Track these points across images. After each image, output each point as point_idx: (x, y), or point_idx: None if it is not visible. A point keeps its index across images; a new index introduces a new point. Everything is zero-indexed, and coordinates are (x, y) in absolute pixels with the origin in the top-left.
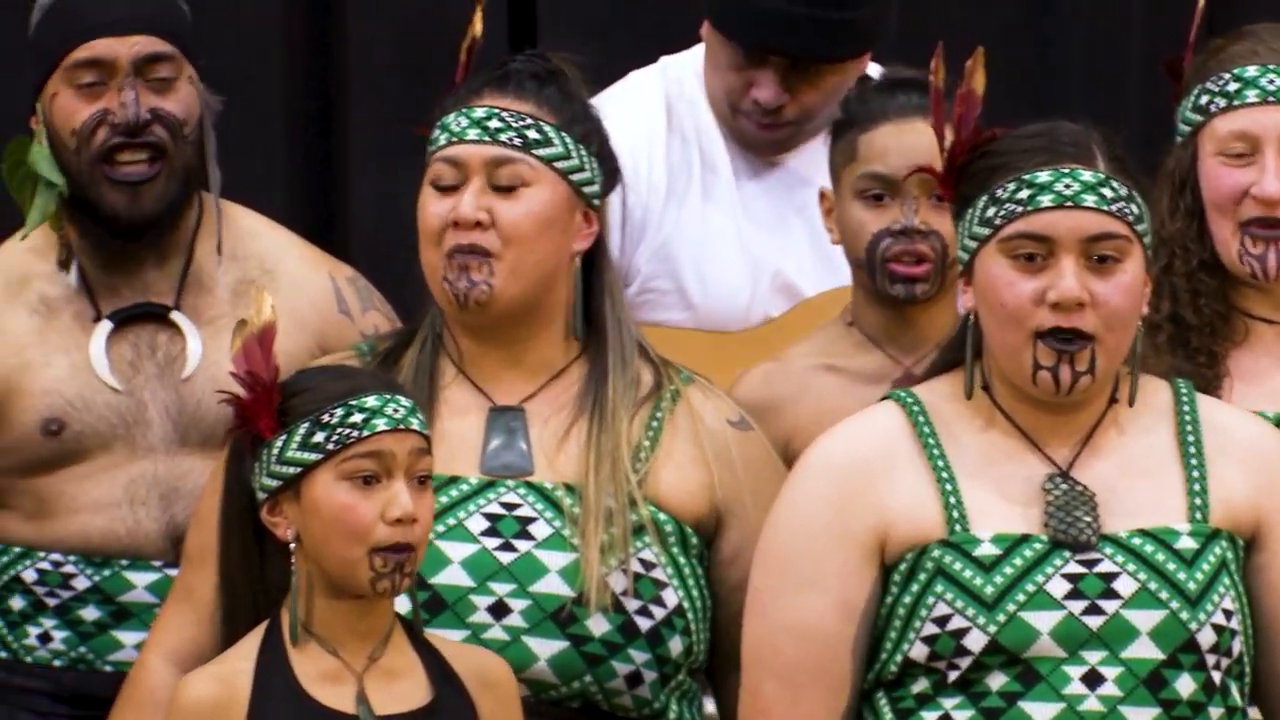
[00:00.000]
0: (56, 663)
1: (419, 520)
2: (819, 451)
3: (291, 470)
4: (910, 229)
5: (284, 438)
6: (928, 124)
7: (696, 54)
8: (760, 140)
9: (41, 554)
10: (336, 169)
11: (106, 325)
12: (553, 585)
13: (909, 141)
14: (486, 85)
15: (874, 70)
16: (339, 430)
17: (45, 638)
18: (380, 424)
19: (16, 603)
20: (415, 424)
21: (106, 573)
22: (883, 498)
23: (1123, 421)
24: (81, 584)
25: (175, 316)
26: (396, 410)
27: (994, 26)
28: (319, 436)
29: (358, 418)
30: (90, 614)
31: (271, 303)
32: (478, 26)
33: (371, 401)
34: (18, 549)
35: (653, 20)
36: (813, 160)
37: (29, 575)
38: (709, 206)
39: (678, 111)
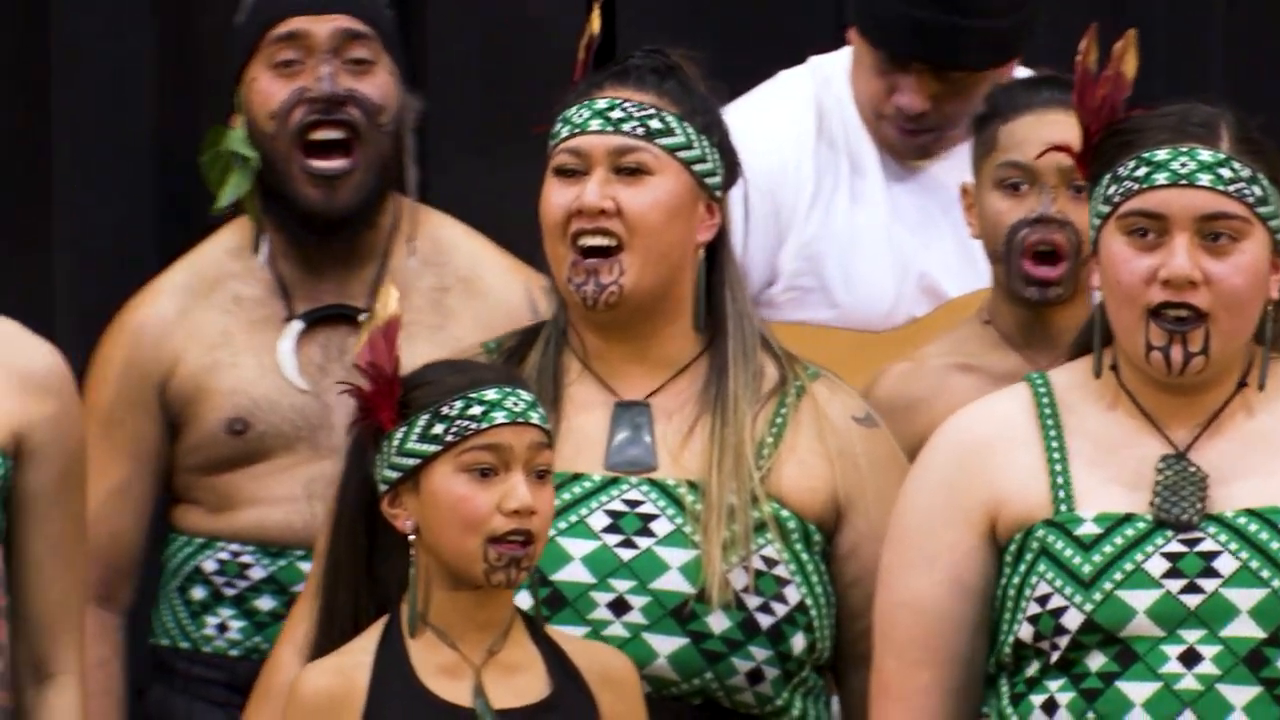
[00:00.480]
0: (233, 652)
1: (537, 513)
2: (944, 430)
3: (411, 462)
4: (1047, 217)
5: (404, 429)
6: (1070, 116)
7: (845, 54)
8: (903, 145)
9: (221, 544)
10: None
11: (297, 325)
12: (673, 582)
13: (1049, 133)
14: (608, 79)
15: (1019, 72)
16: (458, 423)
17: (223, 627)
18: (499, 417)
19: (198, 593)
20: (535, 418)
21: (282, 563)
22: (995, 476)
23: (1254, 404)
24: (258, 574)
25: (364, 320)
26: (516, 404)
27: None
28: (438, 428)
29: (476, 410)
30: (265, 604)
31: (397, 296)
32: (595, 25)
33: (491, 395)
34: (200, 540)
35: (731, 23)
36: (959, 164)
37: (209, 565)
38: (855, 206)
39: (827, 111)
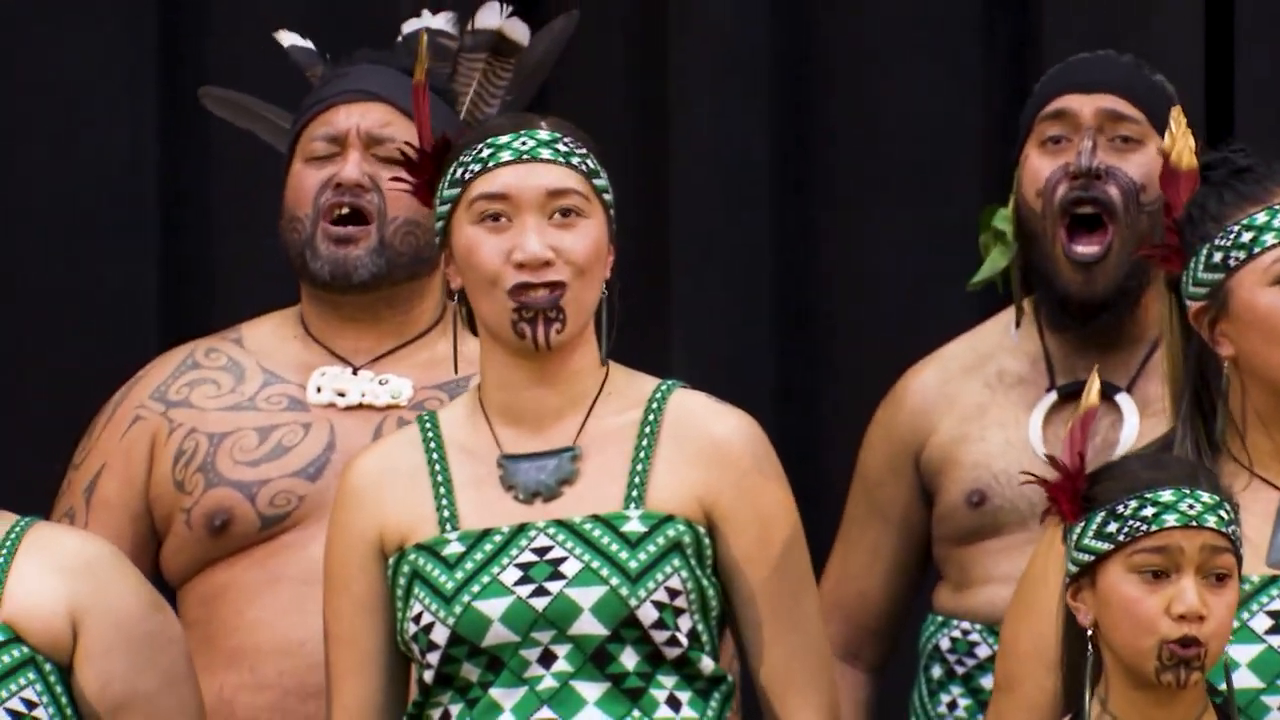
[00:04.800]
0: None
1: (1208, 617)
2: None
3: (1086, 558)
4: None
5: (1083, 525)
6: None
7: None
8: None
9: (955, 622)
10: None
11: (1051, 397)
12: None
13: None
14: None
15: None
16: (1130, 523)
17: (951, 705)
18: (1170, 520)
19: (935, 671)
20: (1211, 521)
21: None
22: None
23: None
24: (984, 652)
25: (1120, 399)
26: (1191, 506)
27: None
28: (1111, 527)
29: (1149, 511)
30: (989, 683)
31: (1098, 388)
32: None
33: (1166, 496)
34: (940, 617)
35: None
36: None
37: (944, 643)
38: None
39: None
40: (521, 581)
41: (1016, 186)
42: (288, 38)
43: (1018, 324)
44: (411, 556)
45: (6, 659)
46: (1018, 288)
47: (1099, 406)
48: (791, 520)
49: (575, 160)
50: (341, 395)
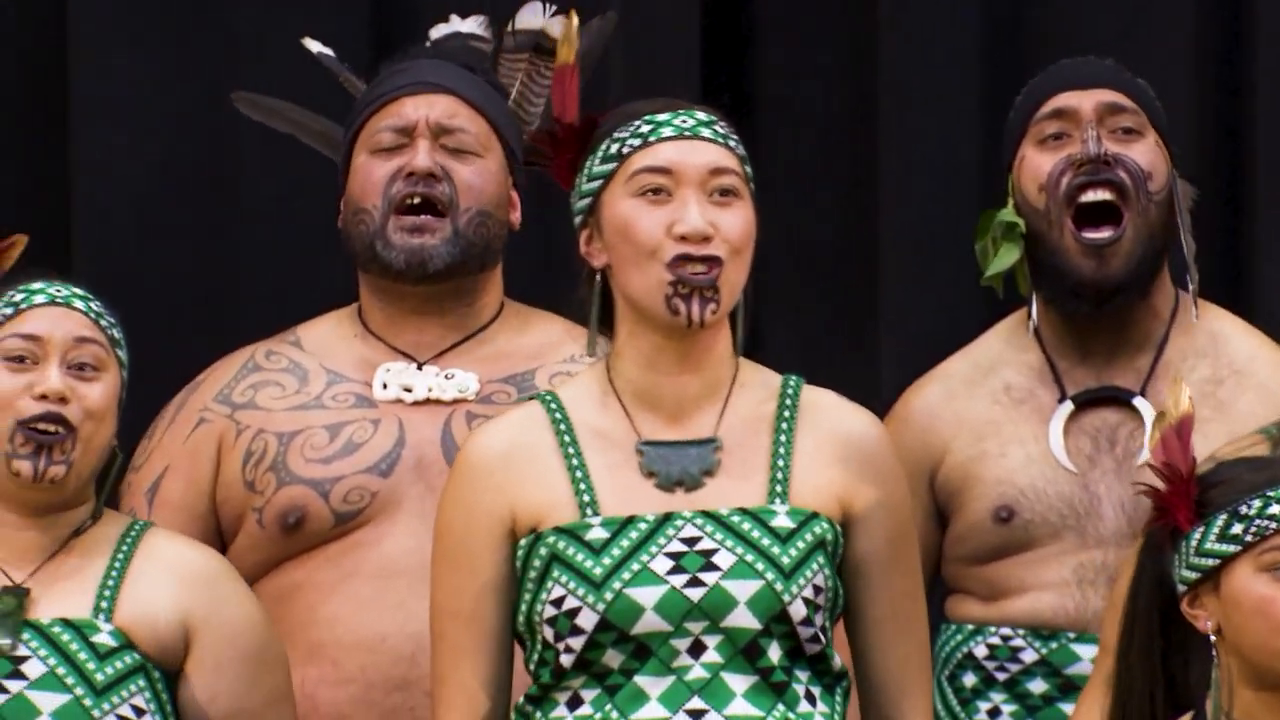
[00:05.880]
0: None
1: None
2: None
3: (1210, 562)
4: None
5: (1202, 529)
6: None
7: None
8: None
9: (991, 629)
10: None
11: (1067, 407)
12: None
13: None
14: None
15: None
16: (1256, 522)
17: (994, 712)
18: None
19: (968, 679)
20: None
21: (1054, 645)
22: None
23: None
24: (1029, 657)
25: (1139, 403)
26: None
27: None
28: (1236, 528)
29: (1276, 509)
30: (1037, 687)
31: (1189, 394)
32: None
33: None
34: (969, 626)
35: None
36: None
37: (980, 651)
38: None
39: None
40: (674, 571)
41: (1014, 189)
42: (314, 45)
43: (1029, 316)
44: (550, 539)
45: (120, 665)
46: (1028, 279)
47: (1119, 413)
48: (912, 521)
49: (732, 143)
50: (408, 391)
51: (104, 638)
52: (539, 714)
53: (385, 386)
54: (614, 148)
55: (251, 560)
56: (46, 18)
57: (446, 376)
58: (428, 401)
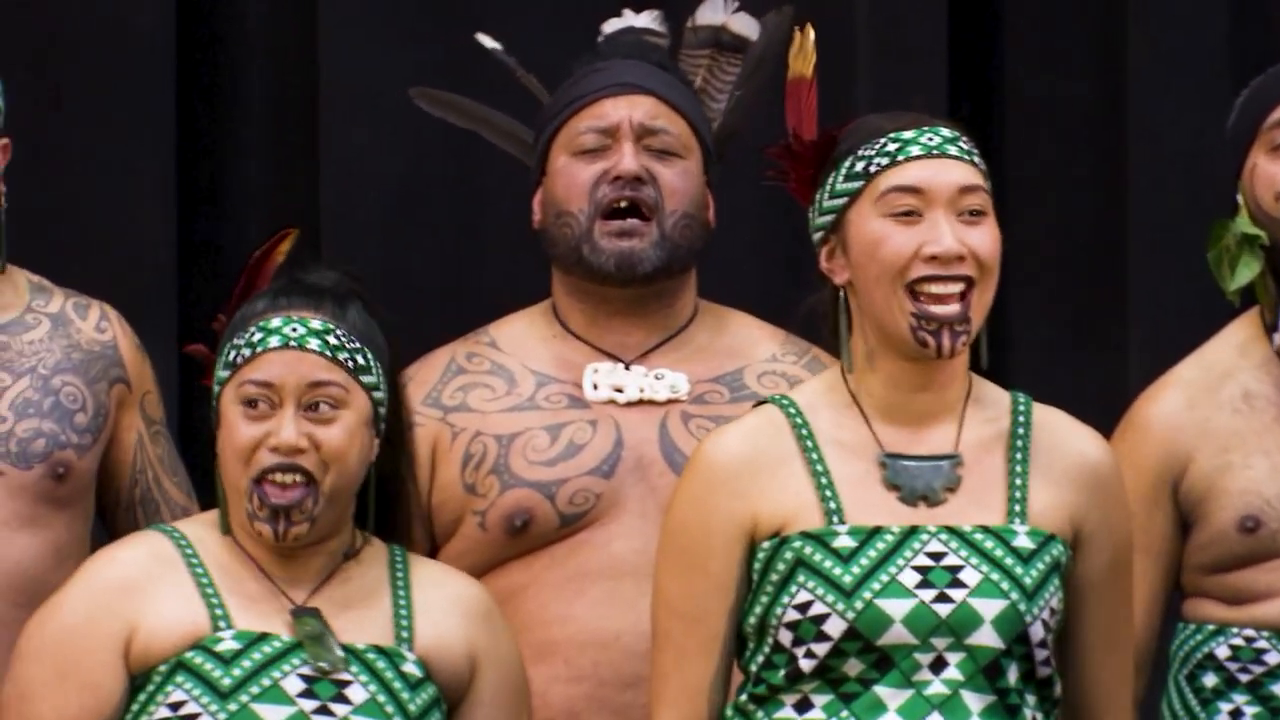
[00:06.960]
0: None
1: None
2: None
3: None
4: None
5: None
6: None
7: None
8: None
9: (1234, 630)
10: None
11: None
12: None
13: None
14: None
15: None
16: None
17: (1236, 713)
18: None
19: (1208, 680)
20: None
21: None
22: None
23: None
24: (1274, 659)
25: None
26: None
27: None
28: (859, 166)
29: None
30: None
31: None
32: None
33: None
34: (1211, 626)
35: None
36: None
37: (1221, 651)
38: None
39: None
40: (922, 585)
41: (1247, 197)
42: (488, 40)
43: (1271, 328)
44: (797, 544)
45: (424, 696)
46: (1270, 292)
47: None
48: (1132, 544)
49: (977, 160)
50: (619, 391)
51: (410, 667)
52: (761, 713)
53: (596, 387)
54: (860, 165)
55: (469, 562)
56: (298, 15)
57: (656, 377)
58: (640, 402)
